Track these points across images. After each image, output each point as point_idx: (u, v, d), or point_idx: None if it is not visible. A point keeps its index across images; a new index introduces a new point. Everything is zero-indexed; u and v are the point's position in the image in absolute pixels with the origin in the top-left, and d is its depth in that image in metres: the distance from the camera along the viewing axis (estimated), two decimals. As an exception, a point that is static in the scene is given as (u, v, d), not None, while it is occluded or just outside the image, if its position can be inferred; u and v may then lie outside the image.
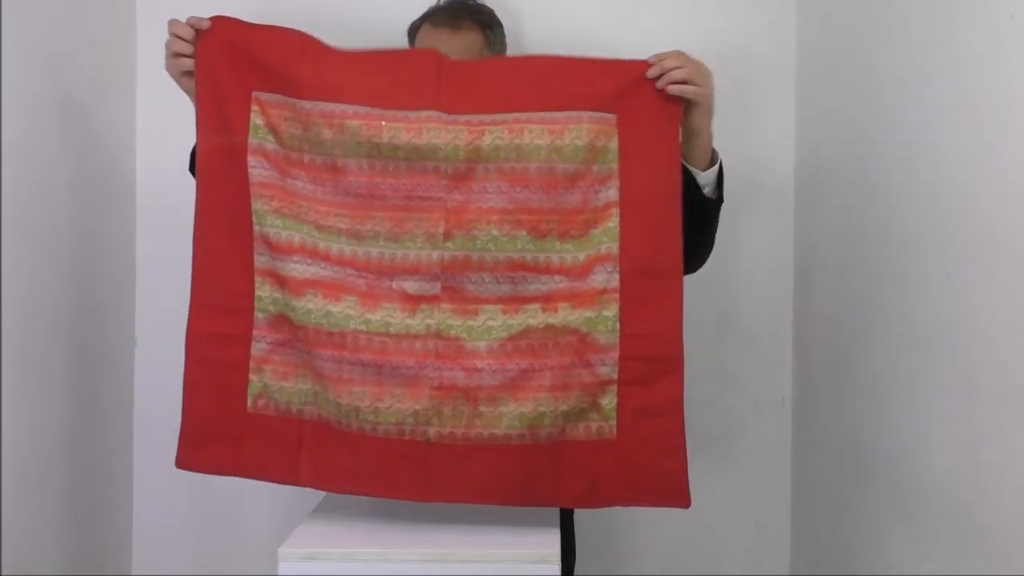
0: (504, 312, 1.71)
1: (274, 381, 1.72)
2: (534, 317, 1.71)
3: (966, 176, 1.68)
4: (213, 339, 1.74)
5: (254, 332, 1.72)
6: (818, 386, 2.40)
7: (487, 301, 1.71)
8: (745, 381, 2.55)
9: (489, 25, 2.08)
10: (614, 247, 1.73)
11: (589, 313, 1.72)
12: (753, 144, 2.53)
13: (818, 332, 2.41)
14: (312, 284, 1.69)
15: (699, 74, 1.76)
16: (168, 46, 1.78)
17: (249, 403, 1.72)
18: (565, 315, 1.71)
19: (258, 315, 1.73)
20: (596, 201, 1.73)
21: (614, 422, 1.72)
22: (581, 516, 2.17)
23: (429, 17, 2.06)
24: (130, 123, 2.50)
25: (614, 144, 1.73)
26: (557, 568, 1.57)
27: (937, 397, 1.77)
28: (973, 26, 1.66)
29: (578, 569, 2.18)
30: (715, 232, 1.94)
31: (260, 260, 1.73)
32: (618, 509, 2.51)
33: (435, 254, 1.70)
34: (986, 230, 1.61)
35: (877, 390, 2.03)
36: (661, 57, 1.76)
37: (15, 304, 1.97)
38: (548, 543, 1.63)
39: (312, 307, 1.69)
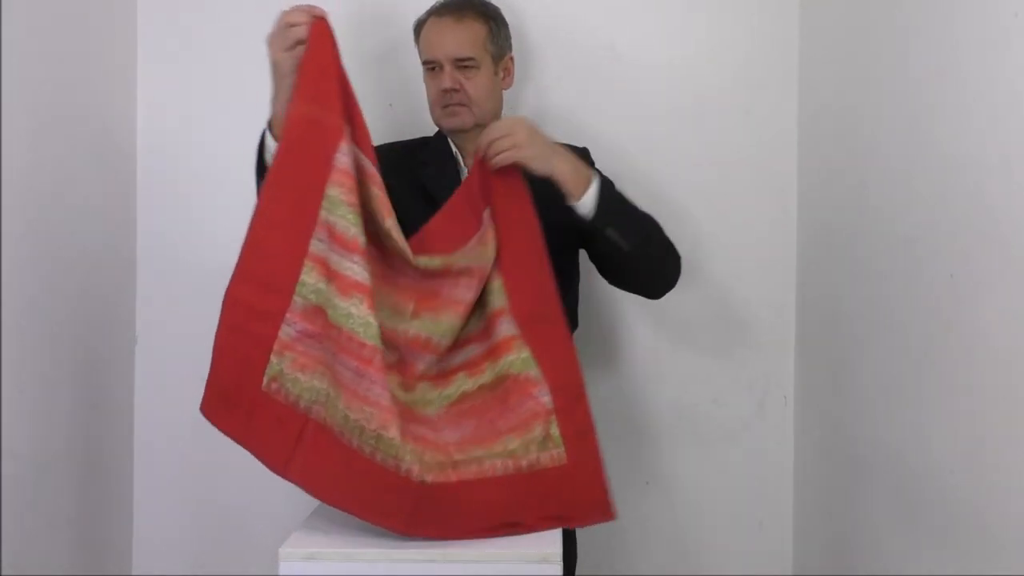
0: (436, 386, 1.78)
1: (291, 370, 1.68)
2: (464, 383, 1.79)
3: (969, 175, 1.68)
4: (247, 309, 1.70)
5: (287, 315, 1.68)
6: (821, 385, 2.39)
7: (422, 378, 1.78)
8: (748, 380, 2.55)
9: (494, 19, 2.12)
10: (504, 302, 1.81)
11: (511, 357, 1.77)
12: (756, 143, 2.53)
13: (821, 331, 2.40)
14: (361, 289, 1.68)
15: (513, 136, 1.82)
16: (284, 17, 1.81)
17: (264, 382, 1.68)
18: (492, 369, 1.78)
19: (296, 299, 1.69)
20: (491, 272, 1.84)
21: (563, 448, 1.75)
22: (583, 516, 2.17)
23: (434, 11, 2.08)
24: (131, 122, 2.50)
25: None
26: (559, 568, 1.57)
27: (940, 396, 1.77)
28: (977, 24, 1.66)
29: (580, 569, 2.18)
30: (651, 248, 1.96)
31: (317, 246, 1.70)
32: (620, 509, 2.53)
33: (400, 327, 1.76)
34: (990, 229, 1.61)
35: (880, 389, 2.03)
36: (480, 140, 1.85)
37: (16, 302, 1.97)
38: (550, 543, 1.62)
39: (354, 312, 1.67)
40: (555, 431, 1.74)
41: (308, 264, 1.69)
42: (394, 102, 2.36)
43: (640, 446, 2.54)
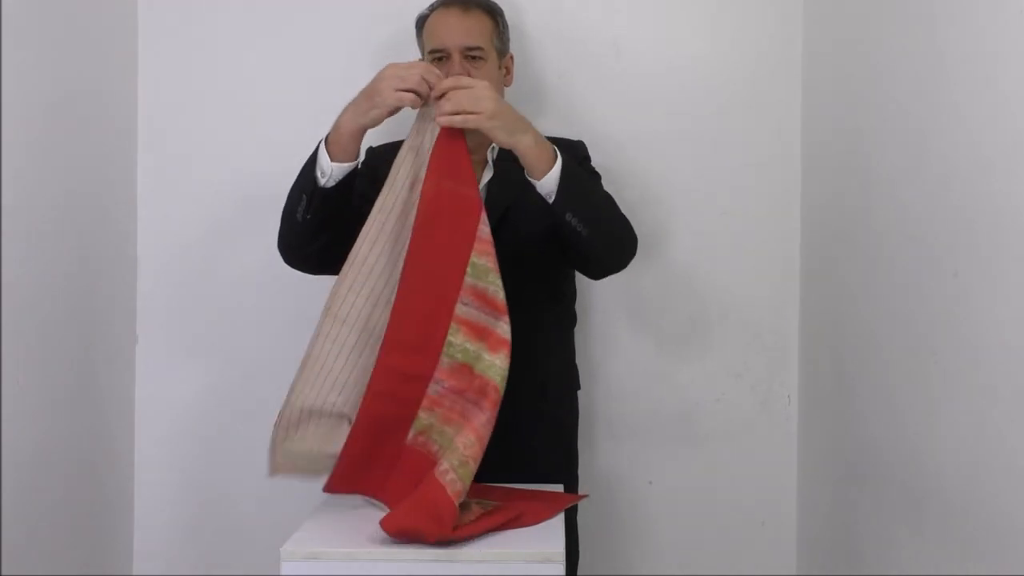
0: None
1: (439, 424, 1.77)
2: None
3: (974, 173, 1.67)
4: (398, 375, 1.78)
5: (435, 374, 1.78)
6: (825, 385, 2.39)
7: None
8: (751, 380, 2.54)
9: (499, 15, 2.12)
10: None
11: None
12: (759, 142, 2.53)
13: (825, 330, 2.40)
14: (506, 347, 1.74)
15: (471, 100, 1.75)
16: (425, 70, 1.79)
17: (410, 436, 1.78)
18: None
19: (443, 359, 1.77)
20: None
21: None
22: (585, 515, 2.16)
23: (439, 4, 2.08)
24: (132, 121, 2.50)
25: None
26: (562, 568, 1.56)
27: (945, 395, 1.76)
28: (982, 21, 1.66)
29: (582, 569, 2.17)
30: (599, 235, 1.90)
31: (463, 310, 1.77)
32: (622, 509, 2.53)
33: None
34: (994, 227, 1.61)
35: (884, 388, 2.02)
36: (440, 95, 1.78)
37: (16, 302, 1.97)
38: (553, 542, 1.61)
39: (498, 363, 1.72)
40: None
41: (454, 326, 1.77)
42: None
43: (643, 446, 2.54)
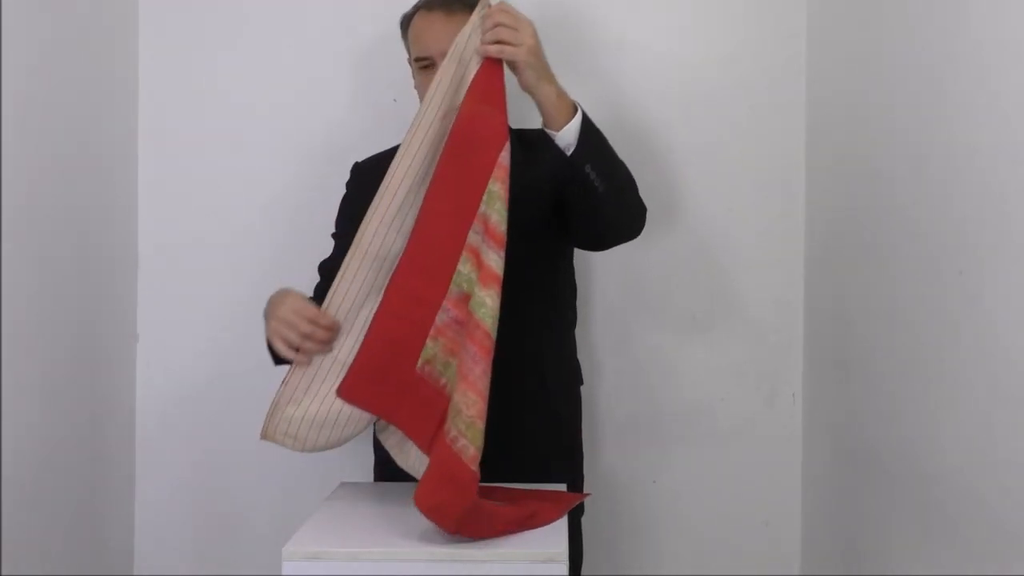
0: None
1: (443, 354, 1.77)
2: None
3: (978, 171, 1.67)
4: (412, 298, 1.79)
5: (444, 302, 1.77)
6: (829, 383, 2.38)
7: None
8: (755, 378, 2.54)
9: None
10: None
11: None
12: (764, 140, 2.52)
13: (829, 328, 2.39)
14: (497, 283, 1.72)
15: (512, 31, 1.77)
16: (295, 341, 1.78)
17: (419, 363, 1.78)
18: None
19: (452, 287, 1.77)
20: None
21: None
22: (588, 515, 2.16)
23: (422, 5, 2.05)
24: (132, 119, 2.49)
25: None
26: (565, 568, 1.56)
27: (950, 394, 1.76)
28: (987, 18, 1.65)
29: (585, 569, 2.17)
30: (612, 195, 1.88)
31: (473, 238, 1.76)
32: (626, 508, 2.53)
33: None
34: (999, 225, 1.60)
35: (889, 387, 2.02)
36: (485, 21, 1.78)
37: (16, 301, 1.97)
38: (556, 542, 1.61)
39: (488, 302, 1.71)
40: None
41: (465, 254, 1.77)
42: (398, 97, 2.35)
43: (646, 444, 2.53)
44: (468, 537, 1.62)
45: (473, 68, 1.81)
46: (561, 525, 1.72)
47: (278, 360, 1.87)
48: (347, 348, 1.80)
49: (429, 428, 1.76)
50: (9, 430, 1.94)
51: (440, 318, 1.77)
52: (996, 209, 1.61)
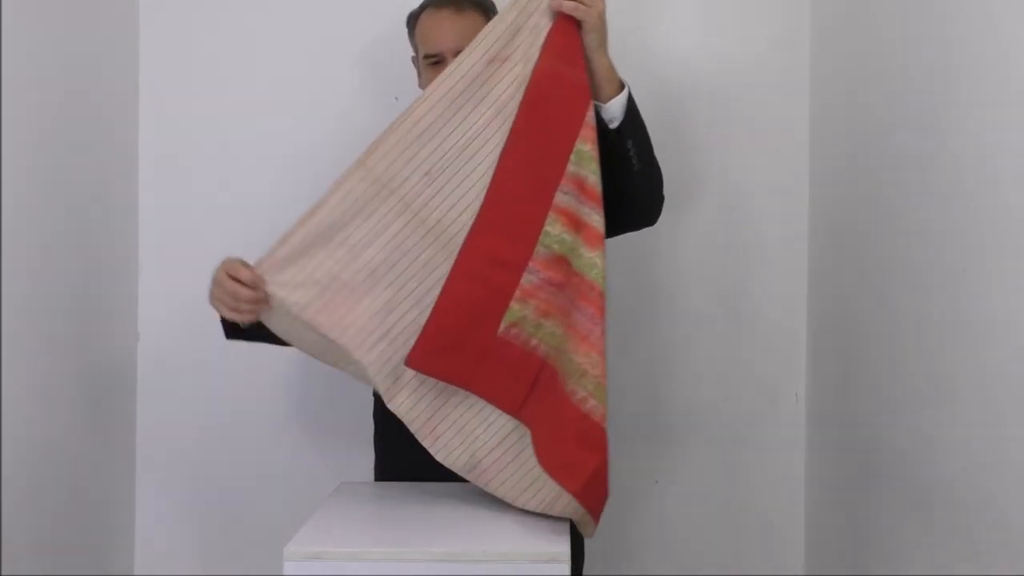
0: None
1: (534, 316, 1.75)
2: None
3: (983, 170, 1.66)
4: (488, 258, 1.76)
5: (530, 263, 1.75)
6: (833, 383, 2.38)
7: None
8: (759, 378, 2.53)
9: (494, 11, 2.07)
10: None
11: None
12: (767, 139, 2.52)
13: (833, 328, 2.39)
14: (602, 243, 1.75)
15: None
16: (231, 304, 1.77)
17: (501, 328, 1.75)
18: None
19: (540, 248, 1.75)
20: None
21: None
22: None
23: (431, 3, 2.05)
24: (133, 118, 2.49)
25: None
26: (567, 568, 1.55)
27: (954, 393, 1.75)
28: (991, 17, 1.64)
29: (587, 568, 2.16)
30: (643, 174, 1.90)
31: (562, 199, 1.75)
32: (628, 508, 2.52)
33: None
34: (1003, 223, 1.60)
35: (893, 387, 2.01)
36: None
37: (17, 300, 1.96)
38: (558, 542, 1.61)
39: (598, 262, 1.74)
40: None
41: (552, 215, 1.75)
42: (400, 95, 2.34)
43: (650, 445, 2.53)
44: (585, 505, 1.69)
45: (540, 23, 1.79)
46: (563, 524, 1.72)
47: (229, 334, 1.87)
48: (324, 268, 1.77)
49: (518, 392, 1.75)
50: (9, 430, 1.93)
51: (528, 280, 1.75)
52: (1000, 207, 1.60)
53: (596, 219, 1.74)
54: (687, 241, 2.50)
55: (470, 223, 1.76)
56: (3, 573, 1.91)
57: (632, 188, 1.90)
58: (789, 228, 2.52)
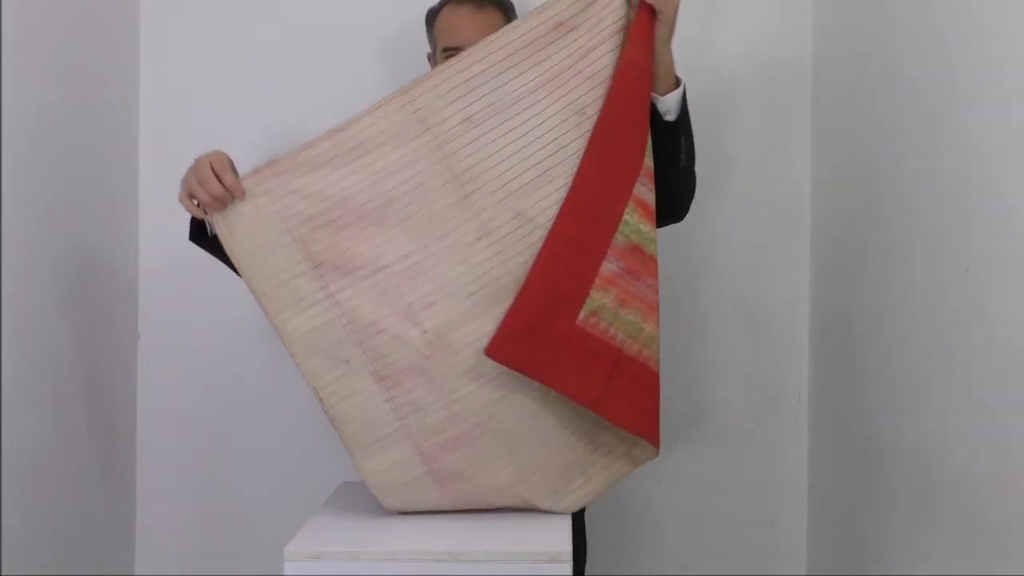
0: None
1: (612, 305, 1.75)
2: None
3: (985, 170, 1.66)
4: (571, 242, 1.75)
5: (608, 252, 1.75)
6: (835, 382, 2.37)
7: None
8: (761, 378, 2.53)
9: (511, 9, 2.10)
10: None
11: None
12: (769, 139, 2.52)
13: (835, 328, 2.38)
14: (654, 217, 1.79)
15: None
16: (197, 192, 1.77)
17: (581, 315, 1.74)
18: None
19: (618, 237, 1.76)
20: None
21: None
22: (593, 514, 2.15)
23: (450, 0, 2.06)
24: (133, 117, 2.49)
25: None
26: (569, 567, 1.55)
27: (956, 393, 1.75)
28: (995, 16, 1.64)
29: (589, 568, 2.16)
30: (686, 168, 1.91)
31: (640, 190, 1.76)
32: (631, 508, 2.51)
33: None
34: (1006, 223, 1.59)
35: (895, 386, 2.01)
36: None
37: (18, 299, 1.96)
38: (560, 541, 1.60)
39: (654, 236, 1.78)
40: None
41: (631, 205, 1.76)
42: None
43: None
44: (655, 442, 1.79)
45: (614, 2, 1.77)
46: (565, 523, 1.72)
47: (193, 235, 1.86)
48: (341, 186, 1.73)
49: (595, 383, 1.75)
50: (10, 430, 1.93)
51: (607, 268, 1.75)
52: (1002, 206, 1.59)
53: (651, 196, 1.77)
54: (689, 241, 2.50)
55: (494, 180, 1.74)
56: (3, 573, 1.91)
57: (675, 182, 1.91)
58: (791, 228, 2.52)
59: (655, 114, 1.82)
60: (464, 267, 1.74)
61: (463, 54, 1.76)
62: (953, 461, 1.75)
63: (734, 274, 2.52)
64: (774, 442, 2.53)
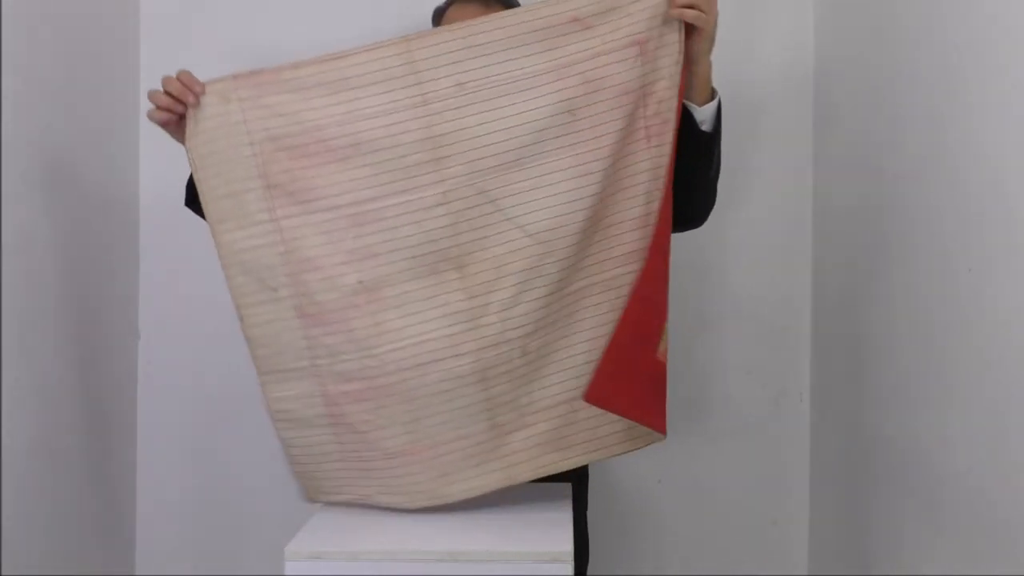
0: None
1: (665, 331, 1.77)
2: None
3: (987, 169, 1.65)
4: (661, 278, 1.76)
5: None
6: (837, 382, 2.38)
7: None
8: (763, 377, 2.53)
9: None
10: None
11: None
12: (771, 137, 2.52)
13: (837, 327, 2.38)
14: None
15: (708, 2, 1.76)
16: (159, 99, 1.81)
17: (660, 347, 1.74)
18: None
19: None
20: None
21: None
22: (594, 514, 2.15)
23: None
24: (134, 117, 2.48)
25: None
26: (570, 568, 1.54)
27: (958, 393, 1.75)
28: (998, 13, 1.63)
29: (591, 568, 2.16)
30: (714, 178, 1.93)
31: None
32: (632, 507, 2.51)
33: None
34: (1008, 222, 1.59)
35: (897, 386, 2.01)
36: None
37: (18, 298, 1.96)
38: (561, 542, 1.60)
39: None
40: None
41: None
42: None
43: (652, 444, 2.51)
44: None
45: (635, 13, 1.74)
46: (565, 524, 1.71)
47: (188, 201, 1.90)
48: (315, 115, 1.71)
49: (663, 409, 1.76)
50: (9, 429, 1.93)
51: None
52: (1005, 205, 1.59)
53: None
54: (690, 240, 2.49)
55: (468, 152, 1.70)
56: (3, 573, 1.90)
57: (701, 192, 1.92)
58: (793, 226, 2.52)
59: (691, 124, 1.82)
60: (415, 228, 1.70)
61: (474, 20, 1.73)
62: (955, 461, 1.75)
63: (736, 274, 2.53)
64: (776, 441, 2.53)
